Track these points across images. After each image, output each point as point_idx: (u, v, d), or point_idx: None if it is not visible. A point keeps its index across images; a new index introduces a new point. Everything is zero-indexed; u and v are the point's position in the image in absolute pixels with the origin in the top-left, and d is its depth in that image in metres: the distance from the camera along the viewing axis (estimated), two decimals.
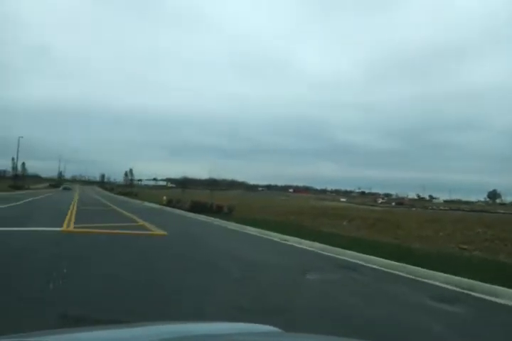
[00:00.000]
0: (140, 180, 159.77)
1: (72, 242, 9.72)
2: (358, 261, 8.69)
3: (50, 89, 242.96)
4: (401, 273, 7.51)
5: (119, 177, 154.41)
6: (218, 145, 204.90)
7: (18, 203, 24.97)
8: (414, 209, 55.95)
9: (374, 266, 8.17)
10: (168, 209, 28.39)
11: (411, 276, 7.26)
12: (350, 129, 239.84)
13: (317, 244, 10.80)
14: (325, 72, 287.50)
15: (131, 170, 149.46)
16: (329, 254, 9.68)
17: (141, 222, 15.88)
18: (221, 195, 65.66)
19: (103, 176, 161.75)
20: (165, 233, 12.35)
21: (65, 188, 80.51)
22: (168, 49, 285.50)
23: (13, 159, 72.68)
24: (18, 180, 72.54)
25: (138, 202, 41.24)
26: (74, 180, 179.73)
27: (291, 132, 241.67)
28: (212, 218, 19.81)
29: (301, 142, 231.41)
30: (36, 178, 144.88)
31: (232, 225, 16.81)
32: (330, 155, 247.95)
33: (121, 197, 55.26)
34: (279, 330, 1.80)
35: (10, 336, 1.36)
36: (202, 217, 21.24)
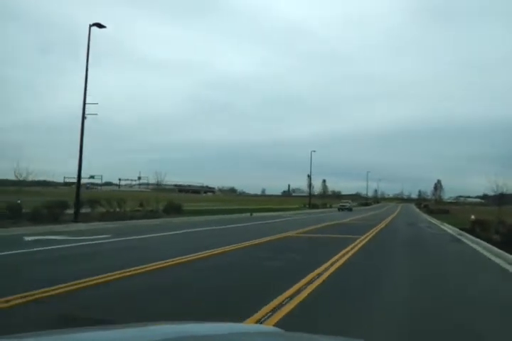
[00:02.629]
0: (463, 196, 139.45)
1: None
2: None
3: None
4: None
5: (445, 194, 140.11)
6: None
7: (214, 227, 18.42)
8: None
9: None
10: (467, 238, 16.21)
11: None
12: None
13: None
14: None
15: (439, 182, 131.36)
16: None
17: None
18: None
19: (419, 193, 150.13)
20: None
21: (340, 208, 56.67)
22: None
23: (308, 176, 70.84)
24: (323, 198, 70.58)
25: (435, 222, 30.61)
26: (395, 198, 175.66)
27: None
28: None
29: None
30: (355, 197, 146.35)
31: None
32: None
33: (422, 217, 43.64)
34: (280, 330, 1.75)
35: (10, 336, 1.39)
36: None
